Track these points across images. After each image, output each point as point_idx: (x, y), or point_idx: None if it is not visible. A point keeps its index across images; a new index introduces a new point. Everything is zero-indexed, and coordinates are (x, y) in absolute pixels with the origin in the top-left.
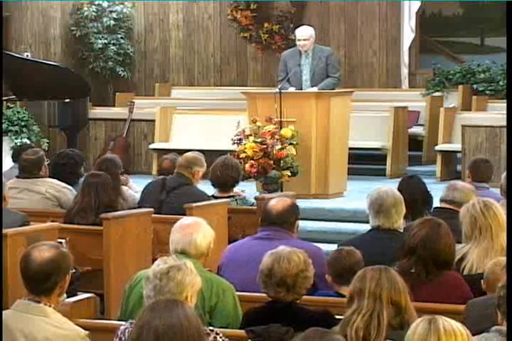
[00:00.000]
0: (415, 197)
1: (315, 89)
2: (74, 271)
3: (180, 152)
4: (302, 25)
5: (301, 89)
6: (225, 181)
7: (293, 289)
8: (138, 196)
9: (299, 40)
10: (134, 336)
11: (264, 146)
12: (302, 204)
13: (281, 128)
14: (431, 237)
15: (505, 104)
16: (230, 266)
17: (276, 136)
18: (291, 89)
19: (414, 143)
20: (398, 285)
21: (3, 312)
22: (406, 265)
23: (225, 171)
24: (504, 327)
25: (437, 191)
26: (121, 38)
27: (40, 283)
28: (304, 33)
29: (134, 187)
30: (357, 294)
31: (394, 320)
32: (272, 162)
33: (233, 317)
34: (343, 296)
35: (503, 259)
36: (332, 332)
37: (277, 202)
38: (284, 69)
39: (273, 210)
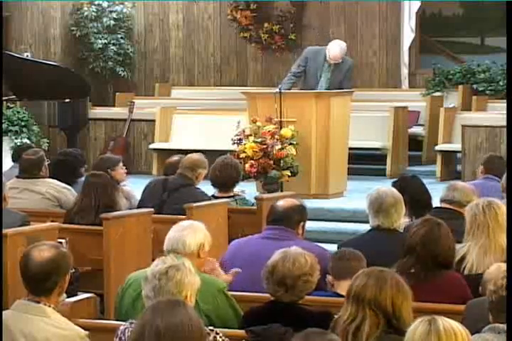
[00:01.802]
0: (418, 197)
1: None
2: (74, 270)
3: (181, 152)
4: (302, 25)
5: (314, 90)
6: (225, 181)
7: (292, 290)
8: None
9: (330, 58)
10: (135, 335)
11: (264, 146)
12: None
13: (281, 128)
14: (430, 237)
15: (505, 104)
16: (234, 265)
17: (276, 136)
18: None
19: (414, 143)
20: (387, 290)
21: (3, 312)
22: (405, 265)
23: (225, 171)
24: (497, 324)
25: (437, 191)
26: (121, 38)
27: (40, 283)
28: (338, 55)
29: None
30: (347, 295)
31: (382, 327)
32: (271, 162)
33: (232, 317)
34: (341, 296)
35: (503, 266)
36: (329, 333)
37: (285, 201)
38: (301, 64)
39: (279, 207)
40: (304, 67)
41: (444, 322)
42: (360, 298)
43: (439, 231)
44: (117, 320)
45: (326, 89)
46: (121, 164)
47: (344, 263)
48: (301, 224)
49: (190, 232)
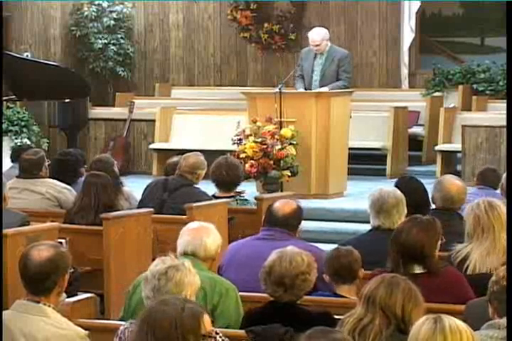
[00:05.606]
0: (417, 198)
1: (325, 89)
2: (72, 270)
3: (181, 152)
4: (302, 25)
5: (311, 89)
6: (230, 181)
7: (291, 290)
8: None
9: (310, 43)
10: (138, 328)
11: (264, 146)
12: (302, 204)
13: (281, 128)
14: (401, 230)
15: (505, 104)
16: (231, 266)
17: (276, 136)
18: (301, 90)
19: (414, 143)
20: (397, 295)
21: (3, 312)
22: (392, 263)
23: (230, 171)
24: (496, 320)
25: None
26: (121, 38)
27: (39, 282)
28: (316, 38)
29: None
30: (359, 297)
31: (393, 327)
32: (271, 162)
33: (234, 319)
34: (340, 296)
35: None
36: (335, 331)
37: (284, 205)
38: (300, 65)
39: (279, 212)
40: (301, 68)
41: (450, 321)
42: (370, 300)
43: (414, 225)
44: (122, 319)
45: (321, 78)
46: None
47: (338, 264)
48: (300, 226)
49: (209, 236)
